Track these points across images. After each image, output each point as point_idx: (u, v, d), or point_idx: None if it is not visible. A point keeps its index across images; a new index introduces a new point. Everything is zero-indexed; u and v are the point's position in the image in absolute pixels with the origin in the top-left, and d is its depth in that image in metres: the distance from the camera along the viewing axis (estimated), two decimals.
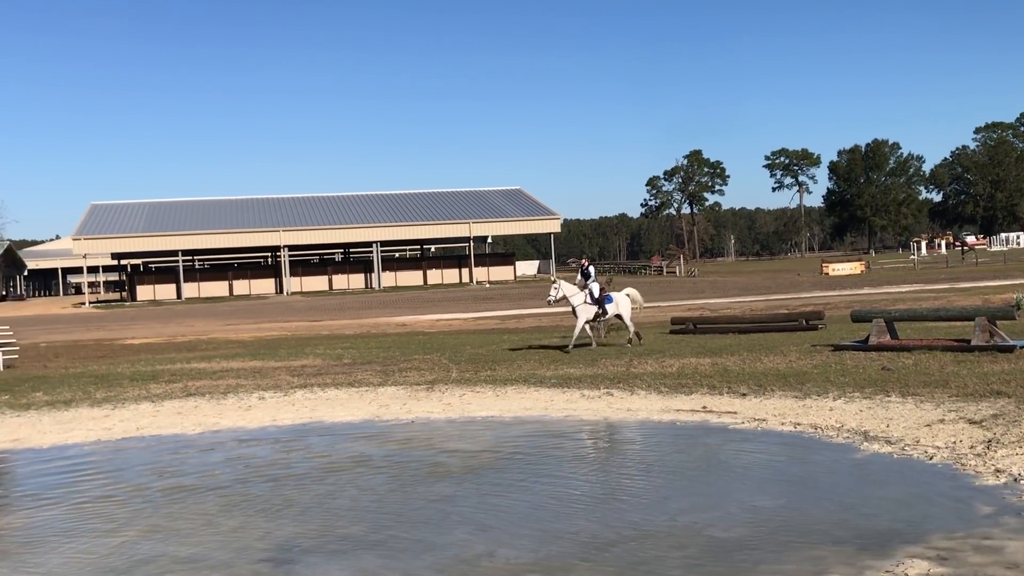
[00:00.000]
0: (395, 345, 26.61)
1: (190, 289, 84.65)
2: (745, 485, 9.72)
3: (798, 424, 12.36)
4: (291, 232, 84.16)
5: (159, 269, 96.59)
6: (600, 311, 22.52)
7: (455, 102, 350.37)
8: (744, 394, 14.71)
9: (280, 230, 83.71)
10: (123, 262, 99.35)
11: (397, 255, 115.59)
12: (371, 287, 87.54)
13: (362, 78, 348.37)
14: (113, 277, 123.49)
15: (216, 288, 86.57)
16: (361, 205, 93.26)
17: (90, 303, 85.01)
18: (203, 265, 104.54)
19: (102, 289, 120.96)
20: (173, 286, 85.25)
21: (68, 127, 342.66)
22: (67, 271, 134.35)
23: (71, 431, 14.97)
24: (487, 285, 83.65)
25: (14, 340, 27.58)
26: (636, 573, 7.23)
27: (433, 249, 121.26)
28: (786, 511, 8.66)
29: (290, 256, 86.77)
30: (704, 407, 13.96)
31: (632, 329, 23.00)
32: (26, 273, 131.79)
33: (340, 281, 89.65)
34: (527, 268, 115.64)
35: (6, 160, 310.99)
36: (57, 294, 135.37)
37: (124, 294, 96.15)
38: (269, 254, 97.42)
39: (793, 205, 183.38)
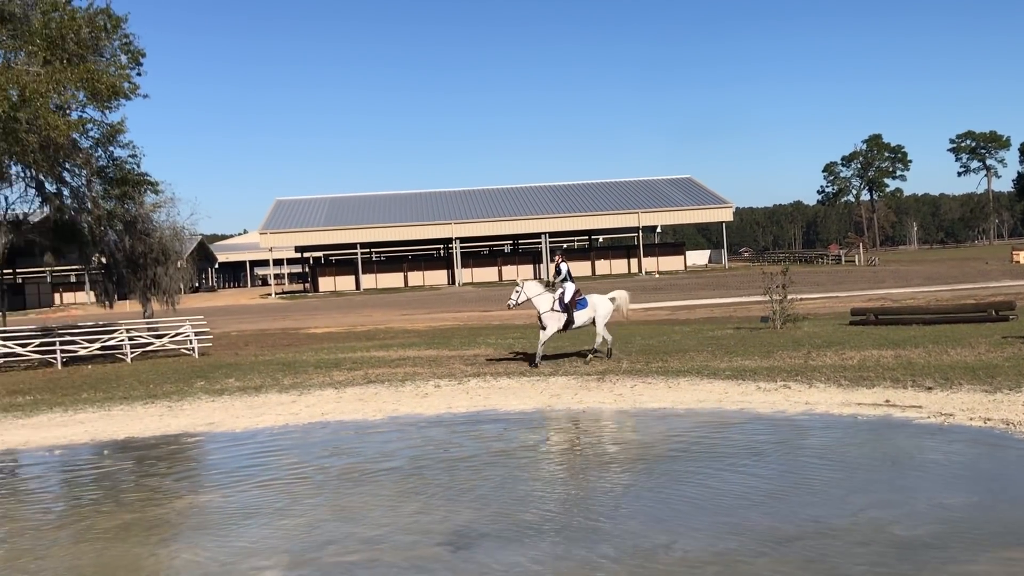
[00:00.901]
0: (565, 335, 26.78)
1: (368, 280, 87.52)
2: (931, 482, 9.35)
3: (988, 419, 11.76)
4: (463, 224, 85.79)
5: (339, 261, 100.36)
6: (568, 319, 19.52)
7: (625, 92, 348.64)
8: (930, 388, 14.10)
9: (452, 223, 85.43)
10: (306, 255, 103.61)
11: (565, 246, 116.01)
12: (540, 278, 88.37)
13: (532, 72, 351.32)
14: (297, 269, 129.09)
15: (392, 279, 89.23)
16: (530, 197, 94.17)
17: (276, 294, 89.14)
18: (380, 257, 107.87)
19: (286, 280, 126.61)
20: (352, 277, 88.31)
21: (255, 127, 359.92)
22: (254, 263, 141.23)
23: (261, 416, 15.77)
24: (656, 275, 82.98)
25: (208, 329, 29.26)
26: (817, 569, 7.08)
27: (601, 239, 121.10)
28: (976, 510, 8.28)
29: (461, 248, 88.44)
30: (887, 401, 13.46)
31: (609, 339, 20.07)
32: (217, 266, 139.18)
33: (510, 272, 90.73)
34: (698, 258, 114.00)
35: (199, 159, 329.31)
36: (245, 285, 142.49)
37: (307, 285, 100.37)
38: (441, 246, 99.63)
39: (980, 190, 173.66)
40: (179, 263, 35.51)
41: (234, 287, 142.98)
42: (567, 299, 19.49)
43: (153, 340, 28.57)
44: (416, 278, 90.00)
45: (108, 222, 29.08)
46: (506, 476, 10.60)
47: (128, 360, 27.14)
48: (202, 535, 9.00)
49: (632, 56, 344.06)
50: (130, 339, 27.96)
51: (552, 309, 19.52)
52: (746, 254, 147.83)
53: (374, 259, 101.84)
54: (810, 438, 12.05)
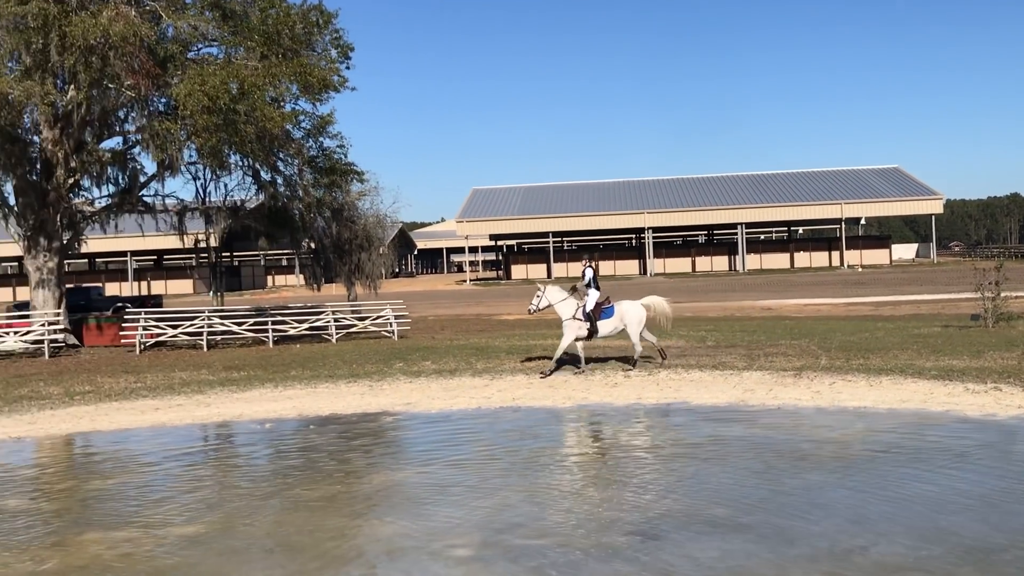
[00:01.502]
0: (760, 329, 26.16)
1: (559, 269, 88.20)
2: None
3: None
4: (655, 214, 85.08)
5: (532, 249, 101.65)
6: (591, 328, 18.44)
7: (837, 76, 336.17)
8: None
9: (645, 212, 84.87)
10: (500, 243, 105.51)
11: (763, 237, 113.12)
12: (735, 269, 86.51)
13: (729, 61, 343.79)
14: (491, 256, 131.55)
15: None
16: (725, 186, 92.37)
17: (470, 280, 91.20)
18: (572, 246, 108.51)
19: (481, 267, 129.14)
20: (544, 266, 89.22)
21: (453, 118, 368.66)
22: (451, 251, 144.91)
23: (455, 398, 16.22)
24: (859, 269, 79.73)
25: (407, 313, 30.29)
26: None
27: (801, 231, 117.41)
28: None
29: (654, 238, 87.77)
30: None
31: (639, 350, 18.72)
32: (416, 252, 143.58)
33: (703, 263, 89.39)
34: (904, 252, 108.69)
35: (400, 150, 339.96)
36: (442, 272, 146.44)
37: (500, 273, 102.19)
38: (634, 236, 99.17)
39: None
40: (381, 249, 36.86)
41: (431, 273, 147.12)
42: (589, 307, 18.49)
43: (356, 322, 29.81)
44: (607, 267, 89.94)
45: (317, 209, 30.53)
46: (697, 469, 10.50)
47: (333, 340, 28.44)
48: (399, 510, 9.36)
49: (847, 38, 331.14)
50: (335, 321, 29.27)
51: (574, 317, 18.53)
52: (956, 248, 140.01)
53: (566, 248, 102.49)
54: (1022, 444, 11.33)
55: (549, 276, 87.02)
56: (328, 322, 29.20)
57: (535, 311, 19.01)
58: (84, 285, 48.79)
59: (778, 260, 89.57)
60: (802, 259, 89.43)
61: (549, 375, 18.13)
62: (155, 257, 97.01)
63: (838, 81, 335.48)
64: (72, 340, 28.94)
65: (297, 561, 7.86)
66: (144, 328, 28.39)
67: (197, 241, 34.72)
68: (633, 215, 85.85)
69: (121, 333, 28.86)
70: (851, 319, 29.76)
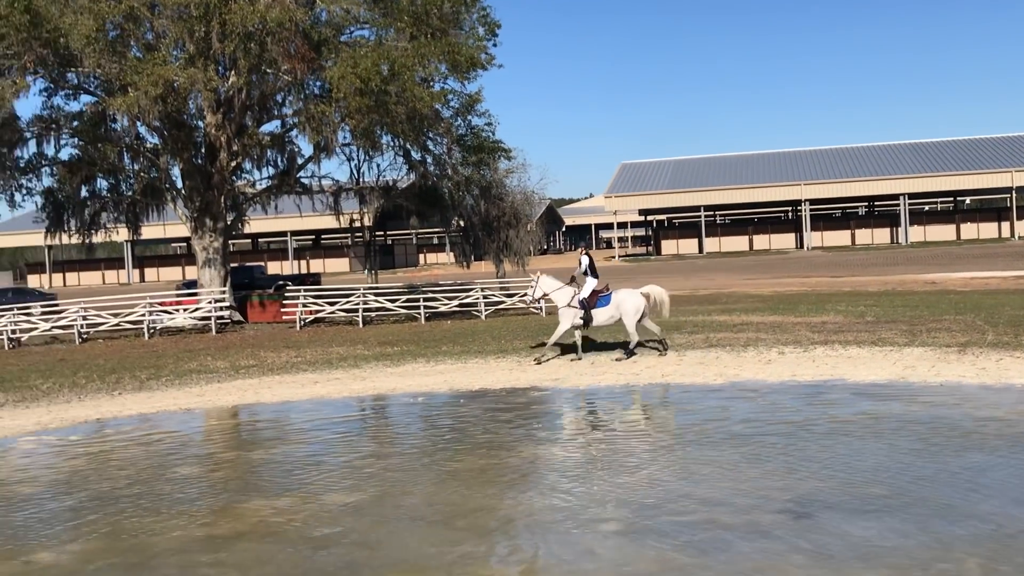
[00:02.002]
0: (923, 304, 25.09)
1: (711, 244, 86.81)
2: None
3: None
4: (812, 186, 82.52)
5: (682, 224, 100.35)
6: (585, 316, 18.10)
7: (988, 41, 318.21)
8: None
9: (801, 184, 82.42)
10: (649, 218, 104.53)
11: (927, 208, 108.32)
12: (897, 242, 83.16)
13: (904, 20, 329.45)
14: (640, 232, 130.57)
15: (736, 243, 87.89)
16: (886, 155, 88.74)
17: (619, 257, 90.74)
18: (724, 220, 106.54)
19: (630, 244, 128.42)
20: (695, 241, 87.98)
21: (600, 94, 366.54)
22: (599, 227, 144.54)
23: (603, 374, 16.21)
24: None
25: None
26: None
27: (968, 201, 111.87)
28: None
29: (811, 210, 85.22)
30: None
31: (634, 339, 18.14)
32: (564, 229, 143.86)
33: (863, 236, 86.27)
34: None
35: (547, 126, 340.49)
36: (590, 248, 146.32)
37: (650, 249, 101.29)
38: (789, 208, 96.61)
39: None
40: (529, 226, 37.12)
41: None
42: (584, 295, 18.19)
43: (505, 299, 30.12)
44: (762, 241, 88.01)
45: (466, 187, 30.94)
46: (852, 447, 10.19)
47: (482, 317, 28.83)
48: (548, 483, 9.44)
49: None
50: (484, 297, 29.66)
51: (570, 305, 18.24)
52: None
53: (718, 222, 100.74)
54: None
55: (701, 251, 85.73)
56: (477, 299, 29.61)
57: (531, 301, 18.77)
58: (247, 264, 50.97)
59: (943, 232, 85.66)
60: (969, 230, 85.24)
61: (540, 362, 17.91)
62: (313, 237, 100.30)
63: (996, 45, 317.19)
64: (237, 317, 30.29)
65: (449, 531, 8.03)
66: (304, 305, 29.45)
67: (352, 221, 35.75)
68: (789, 187, 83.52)
69: (282, 310, 30.03)
70: (1021, 293, 28.22)
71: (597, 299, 18.26)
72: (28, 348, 26.91)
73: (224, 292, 29.61)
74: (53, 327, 28.40)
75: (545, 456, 10.77)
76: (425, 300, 29.71)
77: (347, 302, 29.62)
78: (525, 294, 18.50)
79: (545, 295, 18.81)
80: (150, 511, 9.08)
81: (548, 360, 18.16)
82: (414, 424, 13.50)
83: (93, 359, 22.39)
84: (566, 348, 19.02)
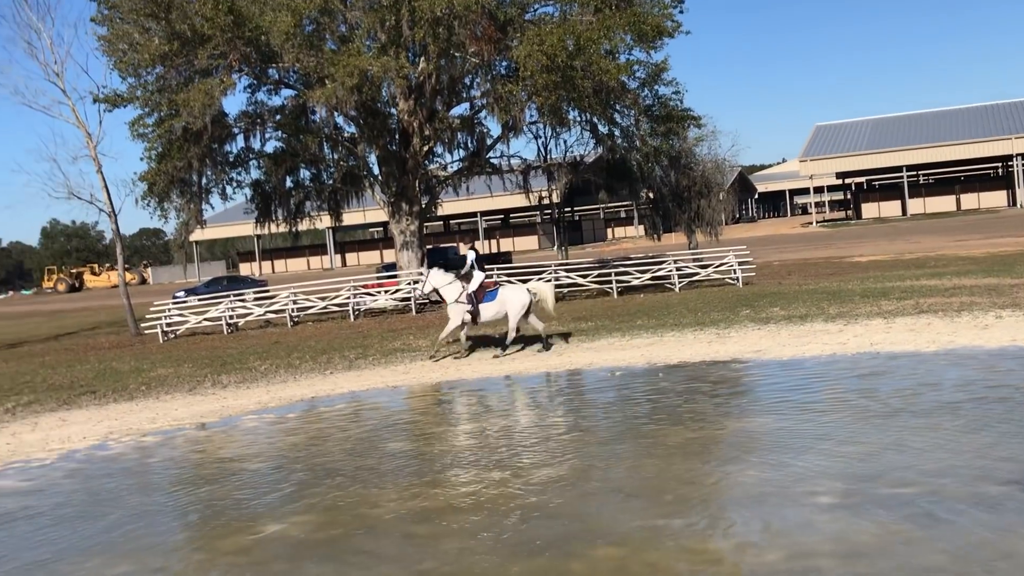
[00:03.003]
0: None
1: (915, 205, 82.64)
2: None
3: None
4: None
5: (883, 186, 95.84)
6: (473, 311, 17.90)
7: None
8: None
9: (1012, 138, 77.17)
10: (847, 181, 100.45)
11: None
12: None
13: None
14: (837, 196, 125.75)
15: (942, 203, 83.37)
16: None
17: (816, 223, 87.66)
18: (928, 180, 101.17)
19: (827, 208, 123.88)
20: (898, 202, 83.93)
21: (791, 55, 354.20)
22: (793, 192, 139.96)
23: (807, 344, 15.70)
24: None
25: (751, 259, 29.70)
26: None
27: None
28: None
29: None
30: None
31: (512, 335, 18.00)
32: (756, 196, 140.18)
33: None
34: None
35: (737, 91, 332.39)
36: (784, 215, 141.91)
37: (848, 212, 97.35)
38: (999, 164, 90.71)
39: None
40: (720, 195, 36.40)
41: (773, 217, 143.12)
42: (471, 290, 18.02)
43: (698, 270, 29.68)
44: (970, 200, 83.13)
45: (655, 158, 30.58)
46: None
47: (676, 289, 28.50)
48: (755, 457, 9.23)
49: None
50: (677, 269, 29.31)
51: (457, 301, 18.06)
52: None
53: (921, 182, 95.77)
54: None
55: (904, 214, 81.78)
56: (670, 271, 29.29)
57: (421, 296, 18.59)
58: (441, 246, 52.31)
59: None
60: None
61: (434, 358, 18.02)
62: (502, 216, 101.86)
63: None
64: (435, 297, 31.08)
65: (654, 506, 7.99)
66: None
67: (541, 198, 36.07)
68: (998, 141, 78.37)
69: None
70: None
71: (484, 294, 18.15)
72: (245, 332, 28.56)
73: (422, 274, 30.45)
74: (267, 312, 30.01)
75: (750, 429, 10.55)
76: (617, 274, 29.63)
77: (539, 279, 29.91)
78: (417, 288, 18.41)
79: (435, 290, 18.60)
80: (366, 484, 9.46)
81: (443, 357, 18.18)
82: (614, 398, 13.49)
83: (305, 341, 23.53)
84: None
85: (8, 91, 44.61)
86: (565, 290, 29.82)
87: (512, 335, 18.18)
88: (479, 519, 8.00)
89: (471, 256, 18.89)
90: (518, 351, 18.02)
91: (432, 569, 6.92)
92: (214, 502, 9.45)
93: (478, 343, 19.18)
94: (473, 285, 18.26)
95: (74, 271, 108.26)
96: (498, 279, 18.81)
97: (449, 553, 7.22)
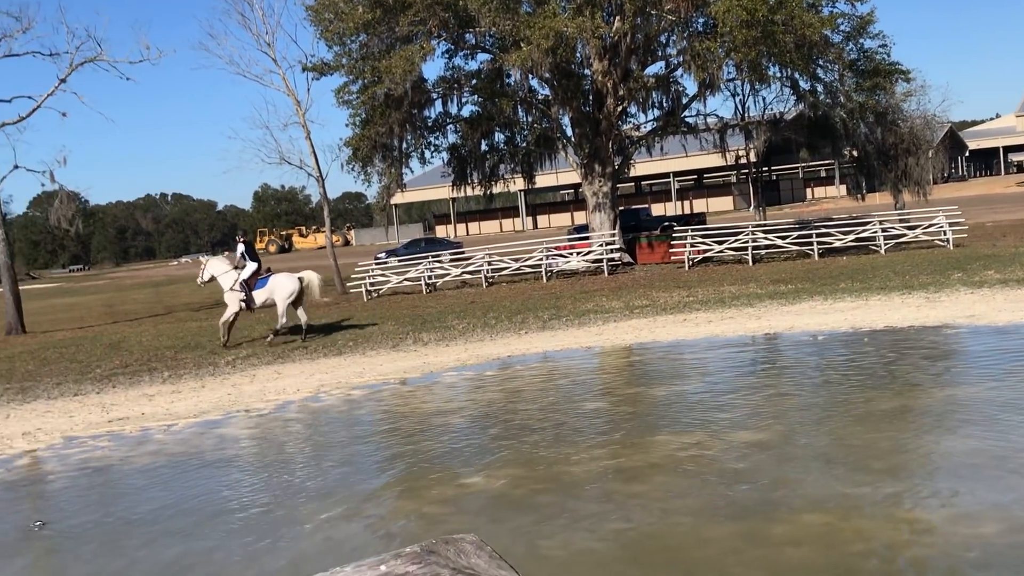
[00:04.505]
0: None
1: None
2: None
3: None
4: None
5: None
6: (247, 298, 18.74)
7: None
8: None
9: None
10: None
11: None
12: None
13: None
14: None
15: None
16: None
17: None
18: None
19: None
20: None
21: (1007, 1, 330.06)
22: (1007, 149, 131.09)
23: None
24: None
25: (962, 219, 28.10)
26: None
27: None
28: None
29: None
30: None
31: (282, 321, 18.74)
32: (967, 154, 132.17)
33: None
34: None
35: (948, 42, 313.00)
36: (997, 173, 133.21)
37: None
38: None
39: None
40: (929, 153, 34.53)
41: (985, 175, 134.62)
42: (244, 278, 18.87)
43: (905, 232, 28.34)
44: None
45: (859, 115, 29.30)
46: None
47: (881, 251, 27.32)
48: (969, 426, 8.79)
49: None
50: (883, 231, 28.07)
51: (232, 289, 18.89)
52: None
53: None
54: None
55: None
56: (875, 232, 28.08)
57: (201, 283, 19.98)
58: (633, 207, 51.99)
59: None
60: None
61: (226, 344, 18.73)
62: (695, 176, 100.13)
63: None
64: (627, 258, 31.04)
65: (863, 473, 7.74)
66: (691, 245, 29.55)
67: (738, 157, 35.27)
68: None
69: (670, 250, 30.35)
70: None
71: (256, 281, 18.95)
72: (443, 292, 29.38)
73: (614, 235, 30.43)
74: (463, 272, 30.77)
75: (964, 397, 10.03)
76: (818, 236, 28.65)
77: (735, 240, 29.32)
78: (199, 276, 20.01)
79: (213, 278, 19.32)
80: (562, 442, 9.60)
81: (229, 342, 18.85)
82: (816, 363, 13.11)
83: (500, 301, 23.99)
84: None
85: (224, 61, 46.95)
86: (763, 252, 29.09)
87: (282, 320, 18.82)
88: (678, 481, 7.98)
89: (241, 248, 19.71)
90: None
91: (632, 528, 6.96)
92: (419, 454, 9.82)
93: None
94: (245, 274, 19.04)
95: (284, 233, 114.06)
96: (270, 268, 20.17)
97: (650, 513, 7.25)
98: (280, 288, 18.79)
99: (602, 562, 6.37)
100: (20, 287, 28.59)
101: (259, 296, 18.97)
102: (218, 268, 19.39)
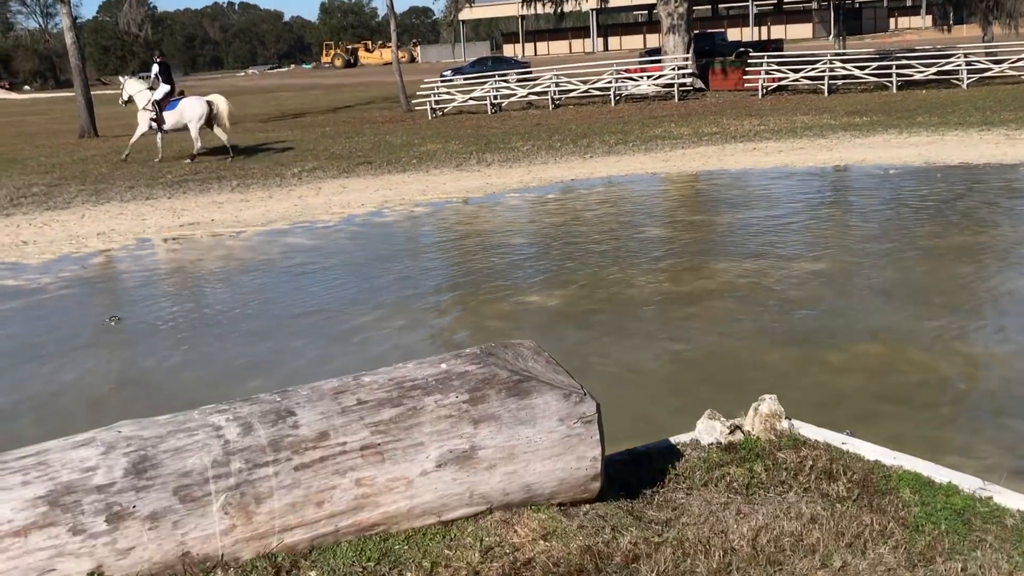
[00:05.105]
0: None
1: None
2: None
3: None
4: None
5: None
6: (158, 119, 19.23)
7: None
8: None
9: None
10: None
11: None
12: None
13: None
14: None
15: None
16: None
17: None
18: None
19: None
20: None
21: None
22: None
23: None
24: None
25: None
26: None
27: None
28: None
29: None
30: None
31: (198, 145, 19.26)
32: None
33: None
34: None
35: None
36: None
37: None
38: None
39: None
40: None
41: None
42: (155, 98, 19.32)
43: (991, 65, 27.13)
44: None
45: None
46: None
47: (963, 86, 26.26)
48: None
49: None
50: (967, 64, 26.91)
51: (144, 108, 19.39)
52: None
53: None
54: None
55: None
56: (958, 66, 26.91)
57: (122, 103, 20.33)
58: (708, 31, 50.23)
59: None
60: None
61: (126, 159, 19.53)
62: (775, 2, 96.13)
63: None
64: (699, 84, 30.24)
65: (923, 307, 7.71)
66: (766, 72, 28.66)
67: None
68: None
69: (744, 77, 29.48)
70: None
71: (167, 103, 19.33)
72: (508, 112, 29.05)
73: (687, 59, 29.57)
74: (529, 93, 30.29)
75: None
76: (898, 67, 27.55)
77: (812, 69, 28.33)
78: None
79: (131, 98, 19.78)
80: (623, 265, 9.67)
81: (130, 158, 19.54)
82: (884, 197, 12.87)
83: (565, 124, 23.70)
84: None
85: None
86: (839, 82, 28.11)
87: (197, 144, 19.24)
88: (735, 307, 8.04)
89: (155, 69, 20.06)
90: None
91: (687, 350, 7.07)
92: (479, 271, 9.97)
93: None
94: (157, 95, 19.48)
95: (349, 47, 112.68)
96: (183, 92, 20.47)
97: (705, 335, 7.35)
98: (188, 111, 19.29)
99: (655, 379, 6.51)
100: (92, 92, 28.81)
101: (169, 118, 19.45)
102: (135, 88, 20.08)
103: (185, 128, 19.34)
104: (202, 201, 14.83)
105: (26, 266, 10.97)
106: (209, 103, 19.31)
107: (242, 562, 2.94)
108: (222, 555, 2.92)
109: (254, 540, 2.95)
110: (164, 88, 19.67)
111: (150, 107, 19.44)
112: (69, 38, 27.59)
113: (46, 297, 9.63)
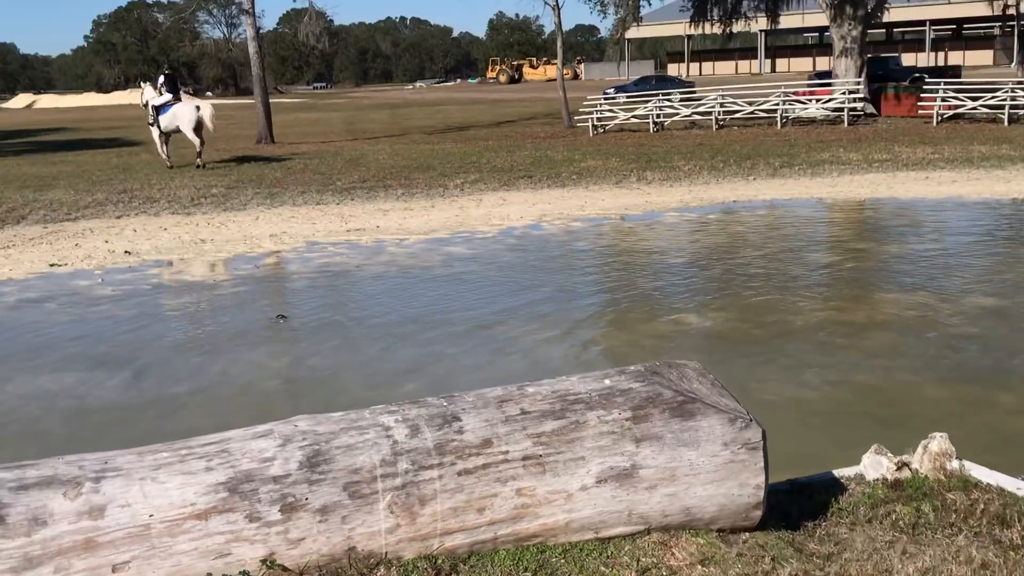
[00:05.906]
0: None
1: None
2: None
3: None
4: None
5: None
6: (151, 122, 20.92)
7: None
8: None
9: None
10: None
11: None
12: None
13: None
14: None
15: None
16: None
17: None
18: None
19: None
20: None
21: None
22: None
23: None
24: None
25: None
26: None
27: None
28: None
29: None
30: None
31: (198, 148, 20.65)
32: None
33: None
34: None
35: None
36: None
37: None
38: None
39: None
40: None
41: None
42: (155, 104, 20.62)
43: None
44: None
45: None
46: None
47: None
48: None
49: None
50: None
51: (144, 107, 21.14)
52: None
53: None
54: None
55: None
56: None
57: (142, 105, 21.36)
58: (882, 55, 48.65)
59: None
60: None
61: (170, 162, 20.95)
62: (954, 27, 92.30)
63: None
64: (870, 109, 29.33)
65: None
66: (942, 99, 27.55)
67: (1006, 6, 32.20)
68: None
69: (918, 104, 28.42)
70: None
71: (163, 108, 20.59)
72: (670, 132, 28.86)
73: (859, 83, 28.73)
74: (693, 113, 30.02)
75: None
76: None
77: (991, 97, 27.08)
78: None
79: (147, 103, 20.88)
80: (784, 291, 9.46)
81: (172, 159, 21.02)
82: None
83: (729, 144, 23.38)
84: None
85: None
86: (1021, 112, 26.75)
87: (198, 147, 20.56)
88: (901, 339, 7.75)
89: (161, 79, 21.36)
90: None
91: (850, 382, 6.86)
92: (636, 287, 9.94)
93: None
94: (157, 101, 20.71)
95: (515, 63, 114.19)
96: (184, 96, 21.70)
97: (870, 368, 7.11)
98: (180, 115, 20.60)
99: (814, 409, 6.34)
100: (270, 100, 30.17)
101: (163, 120, 20.76)
102: (149, 94, 21.30)
103: (179, 131, 20.80)
104: (368, 208, 15.31)
105: (202, 263, 11.58)
106: (198, 107, 20.93)
107: (404, 561, 3.03)
108: (385, 553, 3.01)
109: (416, 541, 3.03)
110: (166, 97, 21.01)
111: (150, 111, 20.86)
112: (252, 48, 28.97)
113: (221, 293, 10.13)
